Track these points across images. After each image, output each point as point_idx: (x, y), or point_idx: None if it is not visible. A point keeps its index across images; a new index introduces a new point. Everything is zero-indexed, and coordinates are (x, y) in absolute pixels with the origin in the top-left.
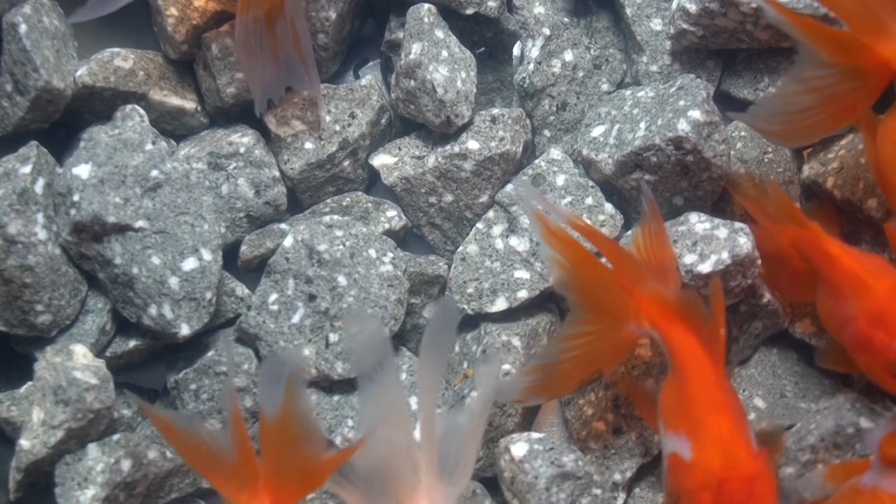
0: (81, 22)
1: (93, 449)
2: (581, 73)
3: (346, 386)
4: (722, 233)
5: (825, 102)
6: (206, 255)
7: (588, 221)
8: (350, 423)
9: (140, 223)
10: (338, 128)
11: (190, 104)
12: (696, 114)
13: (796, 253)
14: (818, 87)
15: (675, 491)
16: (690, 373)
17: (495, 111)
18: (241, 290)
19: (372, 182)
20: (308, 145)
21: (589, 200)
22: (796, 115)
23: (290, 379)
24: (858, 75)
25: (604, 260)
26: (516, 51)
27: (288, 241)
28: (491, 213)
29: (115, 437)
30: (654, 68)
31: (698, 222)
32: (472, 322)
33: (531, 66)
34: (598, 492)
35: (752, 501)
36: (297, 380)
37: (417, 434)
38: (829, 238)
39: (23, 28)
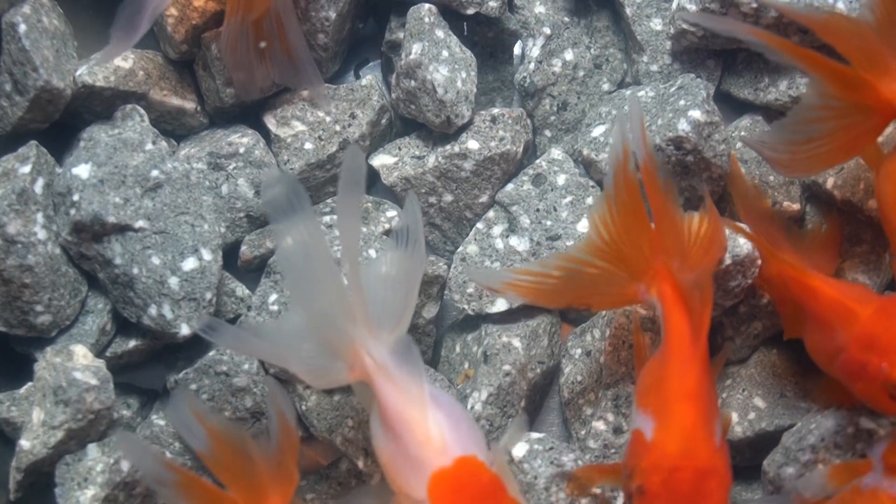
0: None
1: (93, 449)
2: (582, 73)
3: (346, 386)
4: None
5: (830, 135)
6: (206, 255)
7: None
8: (350, 423)
9: (140, 223)
10: (338, 128)
11: (190, 104)
12: (696, 114)
13: (782, 283)
14: (824, 118)
15: (630, 467)
16: (674, 357)
17: (495, 111)
18: (241, 290)
19: (372, 182)
20: (308, 146)
21: (590, 200)
22: (802, 145)
23: (196, 410)
24: (862, 111)
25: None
26: (517, 50)
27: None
28: (491, 213)
29: (115, 437)
30: (654, 68)
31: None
32: (472, 322)
33: (532, 66)
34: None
35: (700, 494)
36: (201, 408)
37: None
38: (809, 271)
39: (22, 28)
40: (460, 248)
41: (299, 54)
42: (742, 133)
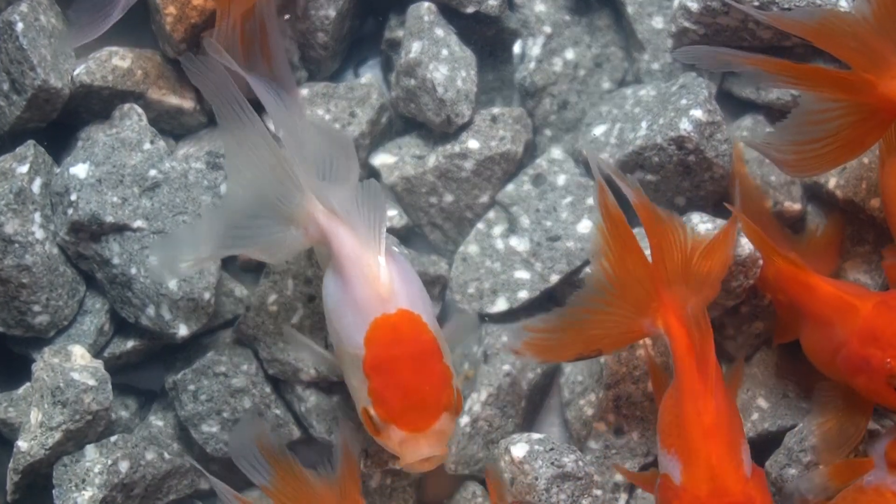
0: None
1: (91, 450)
2: (582, 72)
3: (346, 387)
4: None
5: (835, 134)
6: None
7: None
8: (350, 423)
9: (138, 223)
10: (337, 126)
11: (188, 103)
12: (697, 113)
13: (778, 287)
14: (826, 119)
15: None
16: (687, 392)
17: (496, 110)
18: (239, 290)
19: None
20: None
21: (590, 200)
22: (806, 145)
23: (262, 444)
24: (865, 110)
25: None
26: (517, 49)
27: None
28: (491, 214)
29: (113, 438)
30: (655, 66)
31: (700, 223)
32: None
33: (532, 65)
34: (599, 493)
35: None
36: (269, 440)
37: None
38: (808, 270)
39: (19, 26)
40: (461, 248)
41: (278, 62)
42: (744, 133)
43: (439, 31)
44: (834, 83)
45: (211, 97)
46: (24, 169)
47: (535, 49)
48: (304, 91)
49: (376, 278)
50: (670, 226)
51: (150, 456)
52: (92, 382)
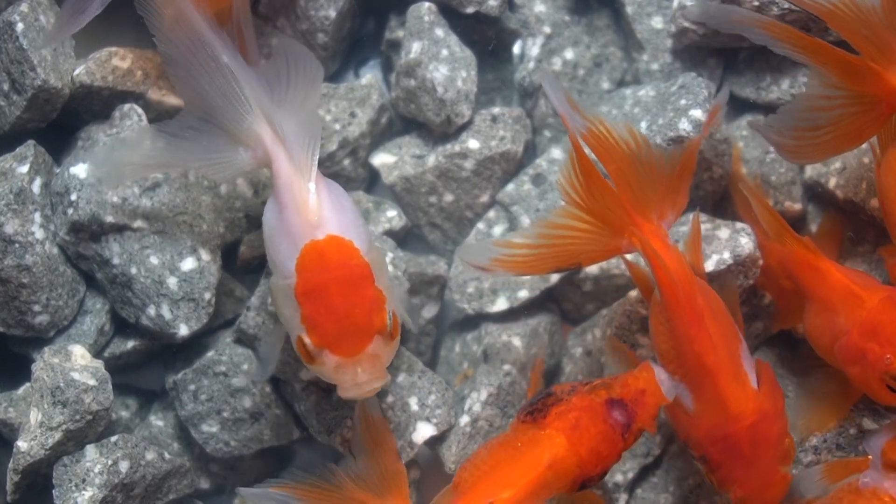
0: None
1: (91, 450)
2: (582, 72)
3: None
4: (723, 233)
5: (834, 123)
6: (205, 256)
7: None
8: (349, 423)
9: (138, 223)
10: (338, 126)
11: None
12: (697, 113)
13: (783, 273)
14: (828, 107)
15: (684, 438)
16: (676, 318)
17: (496, 110)
18: (240, 290)
19: (373, 181)
20: None
21: None
22: (806, 132)
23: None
24: (867, 101)
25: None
26: (516, 49)
27: None
28: (492, 213)
29: (114, 438)
30: (654, 67)
31: (699, 223)
32: (472, 322)
33: (532, 65)
34: (599, 493)
35: (759, 442)
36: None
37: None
38: (819, 254)
39: (20, 27)
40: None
41: (250, 56)
42: (744, 133)
43: (439, 32)
44: (840, 63)
45: (159, 28)
46: (24, 169)
47: (535, 49)
48: None
49: (305, 204)
50: (625, 147)
51: (150, 456)
52: (92, 382)
